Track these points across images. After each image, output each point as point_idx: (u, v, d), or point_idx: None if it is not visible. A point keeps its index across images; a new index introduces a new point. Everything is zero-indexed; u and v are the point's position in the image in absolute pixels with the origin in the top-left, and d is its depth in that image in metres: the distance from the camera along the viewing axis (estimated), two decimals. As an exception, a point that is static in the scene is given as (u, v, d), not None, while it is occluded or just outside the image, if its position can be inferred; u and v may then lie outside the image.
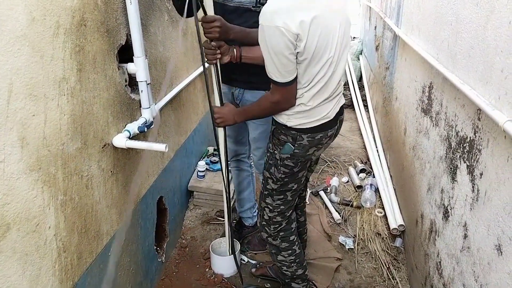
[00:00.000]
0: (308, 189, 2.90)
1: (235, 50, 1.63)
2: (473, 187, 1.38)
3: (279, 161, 1.60)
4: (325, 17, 1.35)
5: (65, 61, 1.16)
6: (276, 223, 1.76)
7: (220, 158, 1.81)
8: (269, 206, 1.74)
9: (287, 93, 1.45)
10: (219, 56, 1.60)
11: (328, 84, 1.47)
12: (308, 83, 1.44)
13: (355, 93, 4.80)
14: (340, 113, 1.63)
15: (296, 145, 1.55)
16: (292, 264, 1.84)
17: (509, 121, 1.09)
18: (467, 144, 1.45)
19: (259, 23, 1.32)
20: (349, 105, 4.75)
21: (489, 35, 1.31)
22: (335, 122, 1.61)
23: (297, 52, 1.34)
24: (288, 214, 1.77)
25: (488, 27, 1.32)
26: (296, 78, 1.41)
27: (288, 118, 1.52)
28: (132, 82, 1.63)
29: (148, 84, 1.61)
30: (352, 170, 3.17)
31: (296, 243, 1.84)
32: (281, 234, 1.79)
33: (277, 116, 1.56)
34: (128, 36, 1.55)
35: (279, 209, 1.72)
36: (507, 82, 1.16)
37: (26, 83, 1.00)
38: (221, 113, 1.64)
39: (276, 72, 1.37)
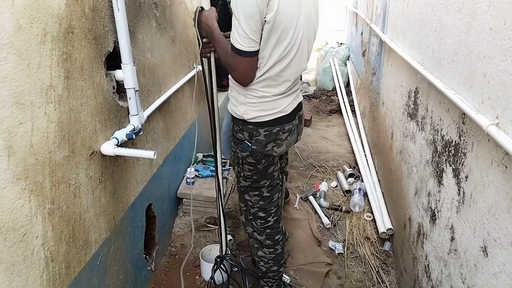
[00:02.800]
0: (297, 194, 2.91)
1: None
2: (459, 190, 1.40)
3: (241, 160, 1.66)
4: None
5: (52, 69, 1.15)
6: (262, 219, 1.81)
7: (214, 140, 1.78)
8: (248, 202, 1.79)
9: (247, 65, 1.45)
10: (212, 49, 1.62)
11: (284, 72, 1.50)
12: (265, 62, 1.45)
13: (343, 98, 4.84)
14: (298, 109, 1.70)
15: (253, 141, 1.59)
16: (270, 261, 1.88)
17: (492, 124, 1.11)
18: (452, 147, 1.48)
19: None
20: (337, 110, 4.79)
21: (472, 40, 1.34)
22: (293, 117, 1.65)
23: (265, 20, 1.36)
24: (271, 210, 1.80)
25: (470, 32, 1.35)
26: (258, 52, 1.43)
27: (245, 111, 1.56)
28: (120, 89, 1.63)
29: (136, 91, 1.61)
30: (340, 175, 3.19)
31: (281, 242, 1.88)
32: (267, 231, 1.83)
33: (234, 109, 1.60)
34: (116, 43, 1.54)
35: (258, 205, 1.77)
36: (490, 86, 1.18)
37: (13, 91, 0.99)
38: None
39: (243, 37, 1.37)
